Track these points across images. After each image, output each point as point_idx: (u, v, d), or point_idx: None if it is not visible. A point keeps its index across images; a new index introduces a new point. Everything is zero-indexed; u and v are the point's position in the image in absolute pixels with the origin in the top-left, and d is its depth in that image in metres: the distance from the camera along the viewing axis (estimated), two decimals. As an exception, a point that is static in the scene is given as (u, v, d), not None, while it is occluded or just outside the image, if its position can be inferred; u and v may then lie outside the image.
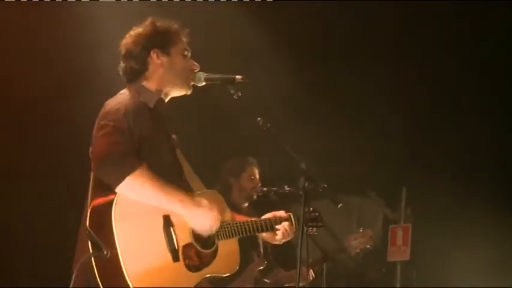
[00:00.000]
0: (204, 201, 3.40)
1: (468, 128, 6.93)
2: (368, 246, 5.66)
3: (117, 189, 3.17)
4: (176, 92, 3.59)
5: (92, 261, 3.18)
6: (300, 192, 3.65)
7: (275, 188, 5.11)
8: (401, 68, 6.79)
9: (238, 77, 3.59)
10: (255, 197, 5.48)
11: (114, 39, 3.64)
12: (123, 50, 3.54)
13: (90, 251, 3.19)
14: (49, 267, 5.38)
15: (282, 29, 6.50)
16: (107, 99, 3.46)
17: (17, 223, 5.73)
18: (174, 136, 3.65)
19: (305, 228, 3.81)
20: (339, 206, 3.76)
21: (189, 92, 3.60)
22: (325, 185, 3.67)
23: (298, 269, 3.64)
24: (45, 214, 5.72)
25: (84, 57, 5.59)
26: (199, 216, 3.34)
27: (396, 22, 6.56)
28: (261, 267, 5.30)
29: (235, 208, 5.38)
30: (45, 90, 5.66)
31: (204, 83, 3.60)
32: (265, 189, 5.29)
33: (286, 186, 4.88)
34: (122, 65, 3.55)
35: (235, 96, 3.56)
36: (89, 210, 3.25)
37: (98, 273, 3.16)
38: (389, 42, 6.73)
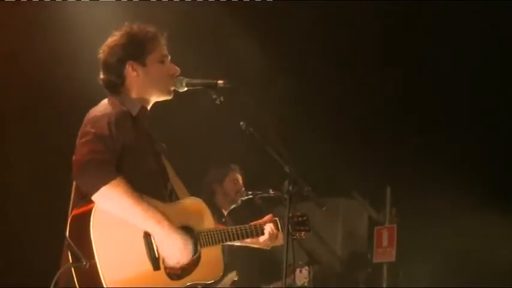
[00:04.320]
0: (181, 232, 3.31)
1: (453, 127, 6.97)
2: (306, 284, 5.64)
3: (93, 198, 3.15)
4: (156, 99, 3.58)
5: (71, 271, 3.15)
6: (285, 195, 3.65)
7: (260, 192, 5.13)
8: (386, 70, 6.82)
9: (220, 81, 3.57)
10: (239, 201, 5.49)
11: (97, 41, 3.63)
12: (100, 61, 3.53)
13: (70, 261, 3.16)
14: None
15: (266, 32, 6.51)
16: (91, 104, 3.46)
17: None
18: (162, 144, 3.64)
19: (292, 232, 3.82)
20: (324, 208, 3.75)
21: (169, 97, 3.58)
22: (310, 188, 3.67)
23: (285, 272, 3.64)
24: (34, 218, 5.72)
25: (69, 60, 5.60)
26: (171, 245, 3.26)
27: (385, 25, 6.58)
28: (235, 279, 5.31)
29: (220, 213, 5.42)
30: (29, 93, 5.67)
31: (185, 88, 3.58)
32: (250, 193, 5.31)
33: (271, 190, 4.89)
34: (101, 76, 3.54)
35: (217, 101, 3.56)
36: (68, 220, 3.23)
37: (77, 283, 3.14)
38: (377, 44, 6.75)
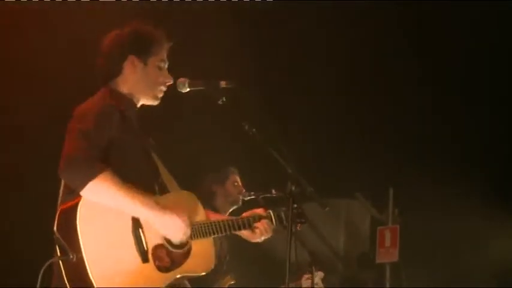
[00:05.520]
0: (173, 208, 3.35)
1: (456, 128, 6.96)
2: None
3: (82, 193, 3.17)
4: (144, 101, 3.59)
5: (59, 265, 3.18)
6: (287, 196, 3.66)
7: (262, 193, 5.12)
8: (387, 69, 6.81)
9: (222, 82, 3.59)
10: (240, 202, 5.49)
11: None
12: (102, 47, 3.54)
13: (58, 255, 3.20)
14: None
15: (267, 31, 6.51)
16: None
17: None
18: (151, 140, 3.65)
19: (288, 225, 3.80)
20: (327, 209, 3.75)
21: (155, 103, 3.59)
22: (312, 189, 3.66)
23: (287, 271, 3.64)
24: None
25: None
26: (168, 223, 3.30)
27: (386, 24, 6.58)
28: (233, 282, 5.30)
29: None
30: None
31: (188, 89, 3.59)
32: (252, 193, 5.31)
33: (273, 191, 4.89)
34: (98, 62, 3.55)
35: (219, 102, 3.56)
36: (57, 214, 3.25)
37: (66, 277, 3.17)
38: (378, 45, 6.75)
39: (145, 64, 3.51)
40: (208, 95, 3.58)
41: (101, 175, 3.15)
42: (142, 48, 3.51)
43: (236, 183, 5.58)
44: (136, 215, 3.26)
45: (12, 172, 5.83)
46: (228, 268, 5.44)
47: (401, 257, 7.34)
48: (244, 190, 5.50)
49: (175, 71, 3.68)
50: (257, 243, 3.98)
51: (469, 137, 6.94)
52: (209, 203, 5.52)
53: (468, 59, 6.71)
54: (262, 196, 5.13)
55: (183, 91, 3.60)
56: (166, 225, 3.30)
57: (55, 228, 3.22)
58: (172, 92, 3.63)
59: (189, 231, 3.36)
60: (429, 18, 6.55)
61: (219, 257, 5.35)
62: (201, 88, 3.60)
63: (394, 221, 7.56)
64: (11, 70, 5.64)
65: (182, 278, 3.42)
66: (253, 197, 5.31)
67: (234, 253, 5.50)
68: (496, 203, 6.78)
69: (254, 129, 3.62)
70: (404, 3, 6.34)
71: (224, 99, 3.56)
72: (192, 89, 3.60)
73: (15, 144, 5.83)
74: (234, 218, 3.79)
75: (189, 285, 3.59)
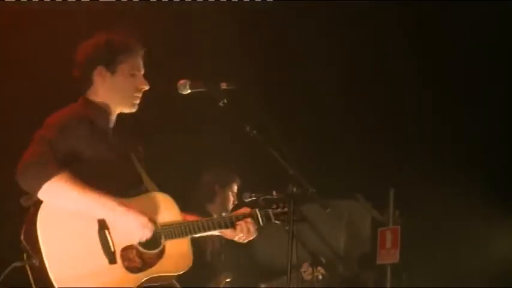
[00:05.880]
0: (133, 207, 3.32)
1: (456, 128, 6.95)
2: (320, 277, 5.60)
3: (39, 196, 3.17)
4: (120, 110, 3.60)
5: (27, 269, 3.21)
6: (288, 197, 3.65)
7: (263, 194, 5.12)
8: (387, 69, 6.80)
9: (223, 83, 3.59)
10: (229, 211, 5.48)
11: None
12: (75, 58, 3.58)
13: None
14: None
15: (266, 31, 6.50)
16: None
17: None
18: (138, 148, 3.65)
19: (278, 223, 3.80)
20: (328, 210, 3.75)
21: (132, 111, 3.60)
22: (314, 190, 3.66)
23: (289, 273, 3.64)
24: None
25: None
26: (129, 223, 3.28)
27: (382, 21, 6.57)
28: (228, 280, 5.30)
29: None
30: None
31: (189, 91, 3.60)
32: (253, 195, 5.31)
33: (274, 192, 4.89)
34: (73, 73, 3.60)
35: (220, 104, 3.56)
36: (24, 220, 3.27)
37: (32, 281, 3.20)
38: (378, 45, 6.74)
39: (113, 73, 3.53)
40: (209, 96, 3.58)
41: (57, 176, 3.16)
42: (111, 57, 3.52)
43: (233, 193, 5.56)
44: (95, 215, 3.24)
45: (12, 172, 5.80)
46: (225, 267, 5.44)
47: (402, 257, 7.33)
48: (236, 202, 5.49)
49: (175, 73, 3.68)
50: (256, 244, 3.98)
51: (469, 137, 6.93)
52: (204, 204, 5.52)
53: (468, 59, 6.70)
54: (263, 198, 5.13)
55: (184, 93, 3.60)
56: (126, 225, 3.27)
57: (22, 234, 3.25)
58: (173, 93, 3.63)
59: (149, 234, 3.32)
60: (429, 18, 6.54)
61: (212, 256, 5.36)
62: (202, 90, 3.61)
63: (395, 222, 7.53)
64: (11, 70, 5.62)
65: (155, 278, 3.41)
66: (254, 198, 5.31)
67: (233, 253, 5.50)
68: (496, 203, 6.77)
69: (255, 131, 3.62)
70: (404, 3, 6.33)
71: (225, 101, 3.56)
72: (193, 90, 3.60)
73: (15, 144, 5.81)
74: (213, 217, 3.79)
75: (178, 285, 3.59)
